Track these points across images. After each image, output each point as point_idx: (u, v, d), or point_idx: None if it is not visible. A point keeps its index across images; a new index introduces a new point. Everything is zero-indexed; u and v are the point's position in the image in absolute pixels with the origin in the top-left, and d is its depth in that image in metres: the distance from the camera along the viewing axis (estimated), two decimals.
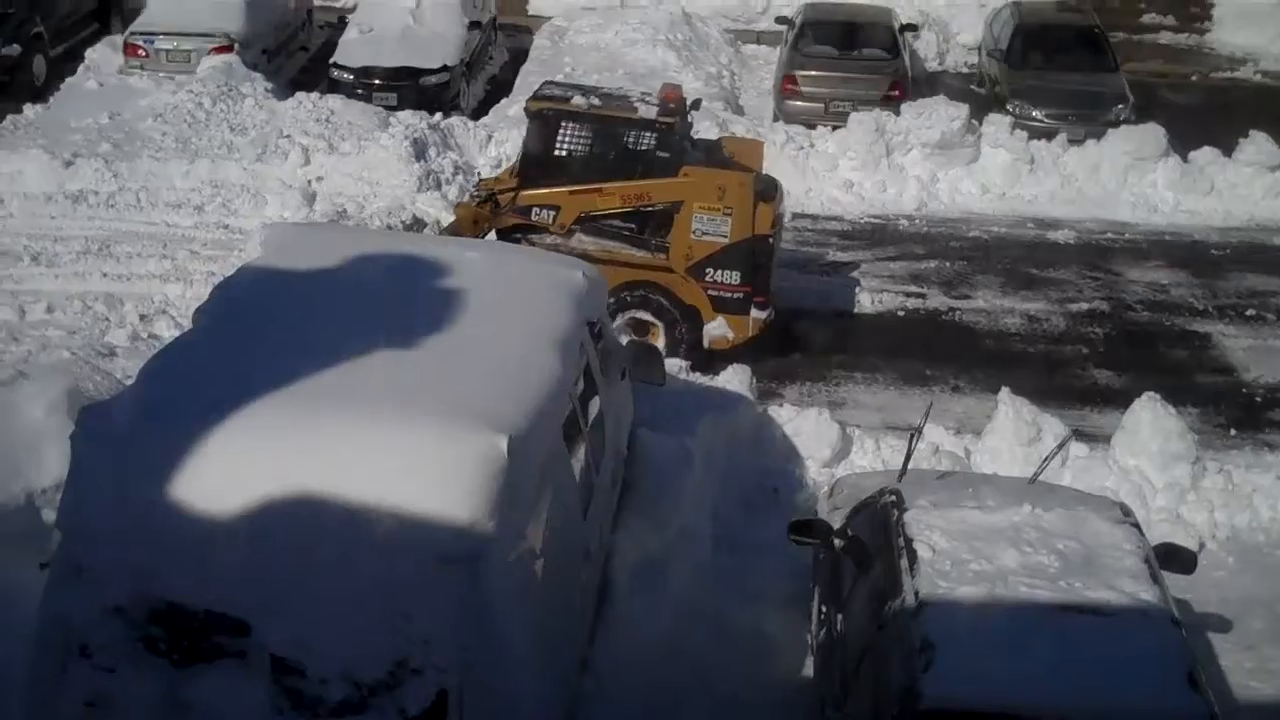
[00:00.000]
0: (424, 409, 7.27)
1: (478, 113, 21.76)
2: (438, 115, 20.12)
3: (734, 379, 13.13)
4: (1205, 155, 19.68)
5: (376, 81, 21.56)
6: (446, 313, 8.33)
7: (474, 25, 23.21)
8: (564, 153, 14.28)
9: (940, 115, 19.50)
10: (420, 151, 18.26)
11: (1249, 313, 16.41)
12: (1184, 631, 7.79)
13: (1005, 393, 12.66)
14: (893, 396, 14.29)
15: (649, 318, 14.27)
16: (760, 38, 26.44)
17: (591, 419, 9.19)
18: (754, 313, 14.26)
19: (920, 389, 14.35)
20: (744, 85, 24.26)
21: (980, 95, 23.11)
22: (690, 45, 24.61)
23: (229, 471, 6.91)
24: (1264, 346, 15.63)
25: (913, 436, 9.90)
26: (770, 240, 14.22)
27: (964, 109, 19.69)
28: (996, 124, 20.02)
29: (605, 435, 9.51)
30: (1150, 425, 12.02)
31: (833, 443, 12.31)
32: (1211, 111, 23.44)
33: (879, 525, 8.84)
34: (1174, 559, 8.93)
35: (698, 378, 13.27)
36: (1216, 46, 27.84)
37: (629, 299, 14.12)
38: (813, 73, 22.06)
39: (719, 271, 14.13)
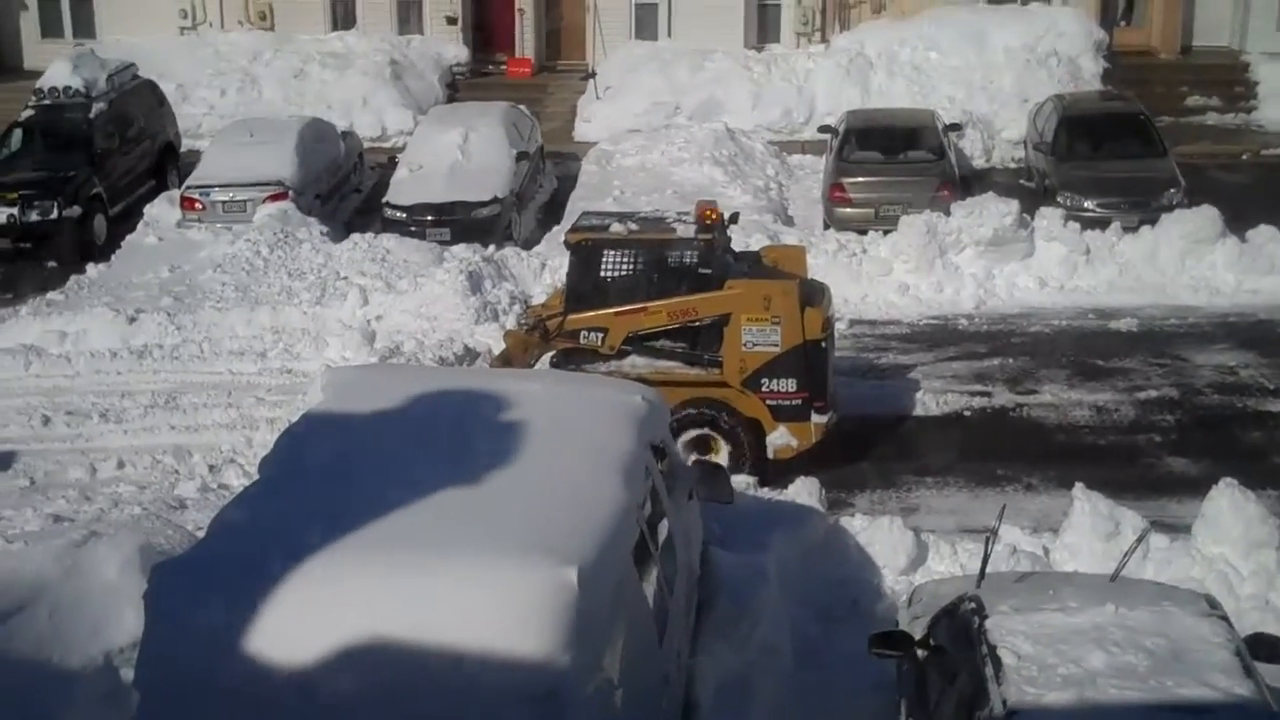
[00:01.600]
0: (491, 546, 7.24)
1: (530, 241, 22.03)
2: (491, 247, 20.37)
3: (803, 491, 13.02)
4: (1264, 234, 19.55)
5: (429, 218, 21.87)
6: (509, 446, 8.33)
7: (522, 156, 23.53)
8: (608, 278, 14.39)
9: (991, 212, 19.52)
10: (476, 284, 18.42)
11: None
12: None
13: (1079, 488, 12.48)
14: (965, 499, 14.12)
15: (712, 434, 14.22)
16: (805, 147, 26.70)
17: (661, 542, 9.11)
18: (815, 418, 14.22)
19: (993, 489, 14.17)
20: (792, 195, 24.44)
21: (1030, 189, 23.16)
22: (736, 160, 24.83)
23: (302, 622, 6.90)
24: None
25: (989, 539, 9.74)
26: (823, 344, 14.20)
27: (1014, 204, 19.71)
28: (1049, 217, 20.01)
29: (676, 557, 9.43)
30: (1230, 512, 11.77)
31: (908, 550, 12.16)
32: (1265, 189, 23.43)
33: (961, 633, 8.69)
34: (1267, 648, 8.69)
35: (766, 492, 13.19)
36: (1265, 123, 27.87)
37: (689, 417, 14.10)
38: (860, 179, 22.20)
39: (775, 380, 14.11)
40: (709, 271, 14.17)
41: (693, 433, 14.18)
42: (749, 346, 14.09)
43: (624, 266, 14.39)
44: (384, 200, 22.61)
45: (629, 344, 14.29)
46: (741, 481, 12.94)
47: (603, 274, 14.42)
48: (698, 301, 14.14)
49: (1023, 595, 8.87)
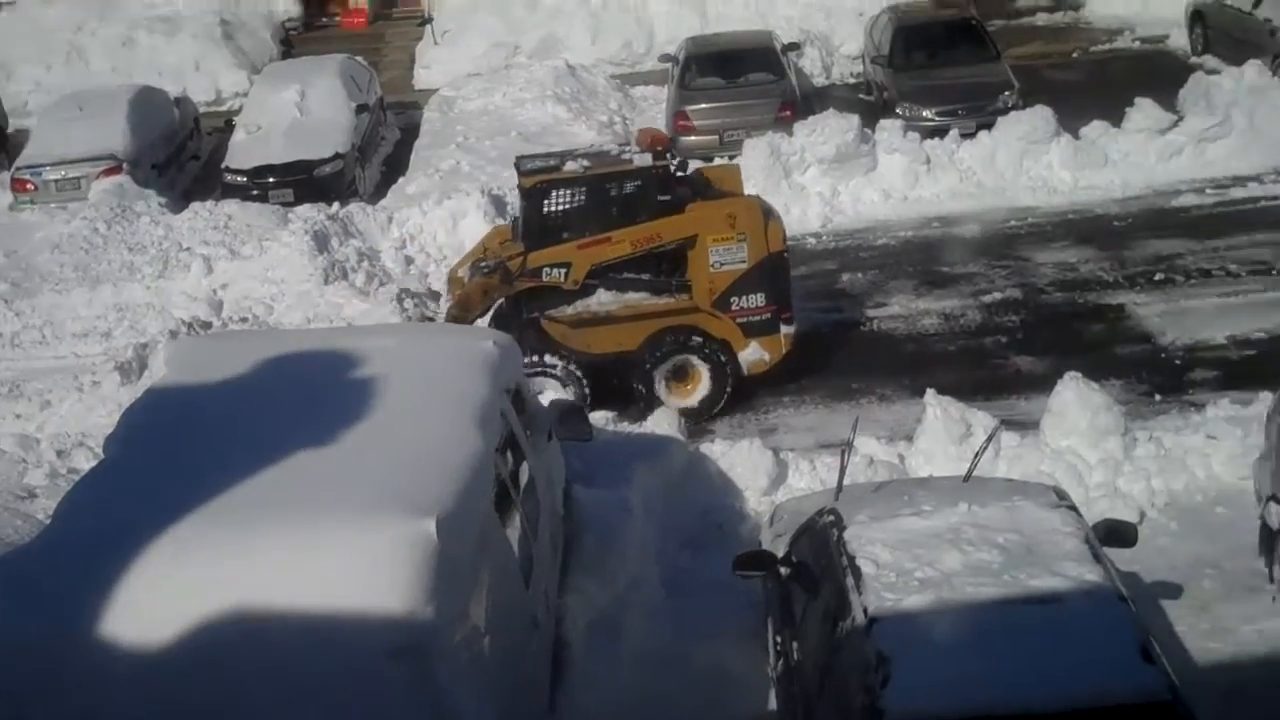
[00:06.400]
0: (346, 503, 7.20)
1: (376, 196, 21.70)
2: (336, 204, 20.02)
3: (662, 422, 13.14)
4: (1096, 129, 19.93)
5: (271, 180, 21.44)
6: (359, 403, 8.27)
7: (361, 109, 23.18)
8: (566, 215, 14.27)
9: (833, 129, 19.66)
10: (322, 244, 18.13)
11: (1158, 278, 16.56)
12: (1133, 606, 7.79)
13: (930, 394, 12.72)
14: (822, 415, 14.29)
15: (694, 361, 14.23)
16: (647, 79, 26.60)
17: (523, 486, 9.15)
18: (784, 329, 14.38)
19: (848, 403, 14.36)
20: (637, 128, 24.30)
21: (870, 103, 23.36)
22: (579, 96, 24.70)
23: (157, 597, 6.80)
24: (1176, 309, 15.75)
25: (844, 452, 9.90)
26: (785, 255, 14.36)
27: (855, 119, 19.87)
28: (889, 129, 20.19)
29: (539, 499, 9.46)
30: (1076, 404, 12.10)
31: (768, 470, 12.30)
32: (1097, 85, 23.84)
33: (821, 547, 8.82)
34: (1115, 535, 8.95)
35: (625, 426, 13.25)
36: (1093, 20, 28.37)
37: (665, 348, 14.16)
38: (702, 105, 22.23)
39: (744, 297, 14.22)
40: (669, 197, 14.15)
41: (670, 362, 14.21)
42: (717, 266, 14.12)
43: (581, 203, 14.24)
44: (223, 165, 22.14)
45: (592, 279, 14.24)
46: (600, 418, 12.99)
47: (561, 211, 14.27)
48: (661, 226, 14.11)
49: (879, 504, 9.00)
